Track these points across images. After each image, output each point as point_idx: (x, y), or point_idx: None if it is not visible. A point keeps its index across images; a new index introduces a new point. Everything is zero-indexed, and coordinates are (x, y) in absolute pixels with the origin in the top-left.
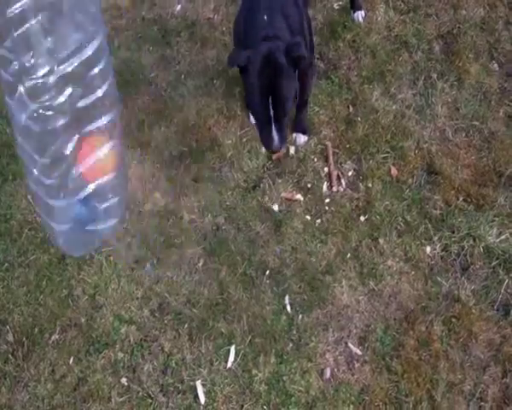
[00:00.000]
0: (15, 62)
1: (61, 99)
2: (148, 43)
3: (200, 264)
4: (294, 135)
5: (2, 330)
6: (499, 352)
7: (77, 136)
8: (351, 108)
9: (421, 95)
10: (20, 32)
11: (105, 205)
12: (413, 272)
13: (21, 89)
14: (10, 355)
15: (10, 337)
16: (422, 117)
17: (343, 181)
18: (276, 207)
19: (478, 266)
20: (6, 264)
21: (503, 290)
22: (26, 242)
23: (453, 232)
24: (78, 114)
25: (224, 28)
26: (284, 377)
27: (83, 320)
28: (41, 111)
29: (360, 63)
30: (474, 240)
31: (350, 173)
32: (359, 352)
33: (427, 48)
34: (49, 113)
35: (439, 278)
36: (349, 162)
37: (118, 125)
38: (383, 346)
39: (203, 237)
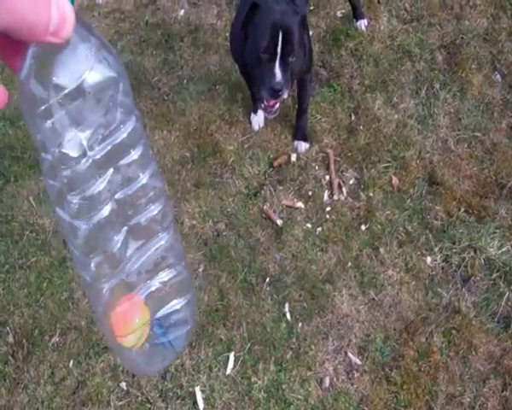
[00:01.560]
0: (48, 157)
1: (100, 187)
2: (152, 48)
3: (201, 270)
4: (296, 143)
5: (2, 331)
6: (499, 365)
7: (125, 228)
8: (353, 117)
9: (424, 105)
10: (47, 124)
11: (175, 315)
12: (413, 283)
13: (57, 184)
14: (10, 357)
15: (10, 339)
16: (424, 127)
17: (344, 190)
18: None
19: (478, 278)
20: (7, 266)
21: (503, 303)
22: (27, 244)
23: (454, 243)
24: (122, 204)
25: (226, 34)
26: (283, 386)
27: (83, 323)
28: (81, 202)
29: (362, 72)
30: (475, 251)
31: (351, 182)
32: (359, 361)
33: (430, 58)
34: (89, 202)
35: (439, 289)
36: (350, 171)
37: (169, 216)
38: (383, 356)
39: (204, 242)
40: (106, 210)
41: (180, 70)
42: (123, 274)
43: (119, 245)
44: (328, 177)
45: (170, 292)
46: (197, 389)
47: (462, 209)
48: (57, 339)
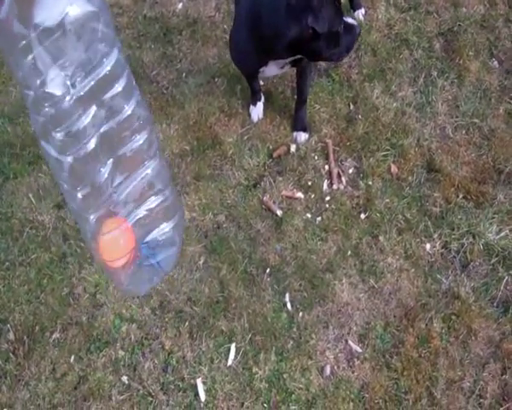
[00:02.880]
0: (31, 93)
1: (84, 122)
2: (150, 42)
3: (201, 262)
4: (295, 134)
5: (3, 328)
6: (499, 349)
7: (111, 160)
8: (351, 106)
9: (422, 92)
10: (27, 60)
11: (163, 236)
12: (413, 270)
13: (41, 119)
14: (11, 354)
15: (11, 336)
16: (423, 115)
17: (343, 179)
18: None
19: (477, 263)
20: (7, 263)
21: (502, 287)
22: (27, 240)
23: (453, 230)
24: (107, 137)
25: (225, 26)
26: (284, 375)
27: (84, 319)
28: (66, 138)
29: (361, 61)
30: (474, 237)
31: (350, 171)
32: (359, 349)
33: (428, 46)
34: (74, 138)
35: (438, 276)
36: (349, 160)
37: (155, 144)
38: (383, 343)
39: (204, 235)
40: (91, 144)
41: (179, 63)
42: (110, 204)
43: (105, 177)
44: (327, 166)
45: (157, 217)
46: (198, 381)
47: (461, 195)
48: (58, 335)
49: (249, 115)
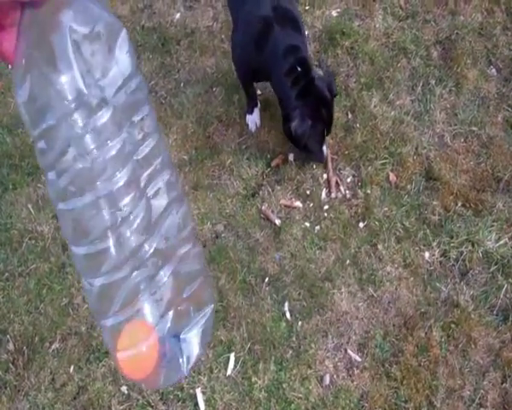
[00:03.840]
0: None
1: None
2: (148, 52)
3: None
4: None
5: (2, 339)
6: (498, 357)
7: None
8: (349, 115)
9: (420, 101)
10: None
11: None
12: (412, 278)
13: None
14: (11, 364)
15: (11, 346)
16: (421, 123)
17: (342, 187)
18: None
19: (477, 272)
20: (6, 273)
21: (502, 295)
22: (27, 251)
23: (452, 238)
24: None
25: (223, 36)
26: (284, 385)
27: (83, 329)
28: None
29: (358, 70)
30: (473, 245)
31: (349, 180)
32: (358, 358)
33: (426, 54)
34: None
35: (437, 284)
36: (348, 169)
37: (191, 225)
38: (382, 352)
39: (202, 244)
40: (137, 219)
41: (177, 73)
42: (136, 305)
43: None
44: (325, 175)
45: (189, 312)
46: (198, 391)
47: (460, 204)
48: (57, 345)
49: (247, 125)
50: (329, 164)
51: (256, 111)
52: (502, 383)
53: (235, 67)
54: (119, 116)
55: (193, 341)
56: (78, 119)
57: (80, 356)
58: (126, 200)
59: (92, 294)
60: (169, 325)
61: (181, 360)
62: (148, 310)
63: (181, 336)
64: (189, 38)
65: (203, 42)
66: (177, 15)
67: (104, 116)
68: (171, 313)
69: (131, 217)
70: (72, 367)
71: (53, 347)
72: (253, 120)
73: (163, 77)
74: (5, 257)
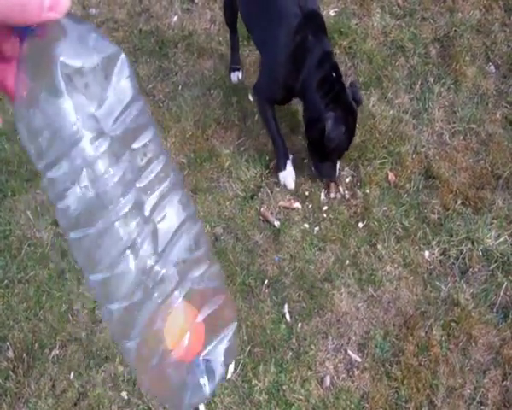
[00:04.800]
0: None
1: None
2: (146, 55)
3: None
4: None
5: (2, 346)
6: (499, 355)
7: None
8: None
9: (418, 99)
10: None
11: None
12: (412, 277)
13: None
14: (11, 372)
15: (11, 354)
16: (419, 121)
17: (341, 188)
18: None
19: (477, 270)
20: (6, 281)
21: (502, 293)
22: (26, 258)
23: (451, 236)
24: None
25: (220, 38)
26: (284, 386)
27: (83, 335)
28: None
29: (357, 69)
30: (473, 243)
31: (347, 180)
32: (359, 359)
33: (424, 52)
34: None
35: (437, 283)
36: (347, 169)
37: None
38: (382, 352)
39: None
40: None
41: (175, 76)
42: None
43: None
44: None
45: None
46: None
47: (459, 202)
48: (57, 352)
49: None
50: None
51: (289, 164)
52: (502, 381)
53: (266, 94)
54: (118, 146)
55: (216, 361)
56: (76, 154)
57: (80, 362)
58: (129, 228)
59: (111, 319)
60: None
61: (202, 382)
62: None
63: (201, 358)
64: (186, 40)
65: (201, 44)
66: (175, 18)
67: (100, 148)
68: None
69: (137, 243)
70: (72, 373)
71: (53, 353)
72: (289, 175)
73: (161, 80)
74: (4, 264)
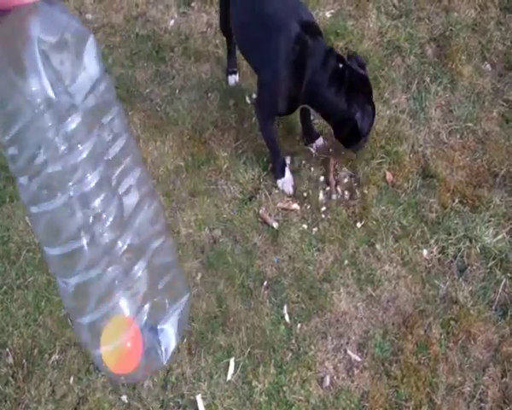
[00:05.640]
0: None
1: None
2: (143, 60)
3: (198, 278)
4: (315, 143)
5: (1, 353)
6: (498, 352)
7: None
8: None
9: (415, 99)
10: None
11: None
12: (410, 276)
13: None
14: (10, 378)
15: (10, 360)
16: (416, 121)
17: (339, 188)
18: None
19: (475, 267)
20: (5, 287)
21: (500, 290)
22: (25, 263)
23: (449, 234)
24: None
25: (217, 41)
26: (284, 387)
27: None
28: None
29: None
30: (471, 241)
31: (346, 180)
32: (358, 358)
33: (420, 52)
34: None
35: (436, 281)
36: (345, 169)
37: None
38: (382, 351)
39: (200, 250)
40: (109, 218)
41: (172, 80)
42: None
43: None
44: (322, 177)
45: (154, 280)
46: (198, 397)
47: (457, 200)
48: (57, 357)
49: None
50: (331, 166)
51: (287, 171)
52: (502, 378)
53: (269, 110)
54: (89, 120)
55: (170, 331)
56: (49, 124)
57: (80, 367)
58: (98, 200)
59: (68, 293)
60: (146, 317)
61: (159, 351)
62: (124, 304)
63: (158, 328)
64: (183, 44)
65: (197, 48)
66: (171, 22)
67: (74, 121)
68: (147, 306)
69: (104, 216)
70: (71, 378)
71: (52, 358)
72: (288, 181)
73: (158, 84)
74: (3, 270)
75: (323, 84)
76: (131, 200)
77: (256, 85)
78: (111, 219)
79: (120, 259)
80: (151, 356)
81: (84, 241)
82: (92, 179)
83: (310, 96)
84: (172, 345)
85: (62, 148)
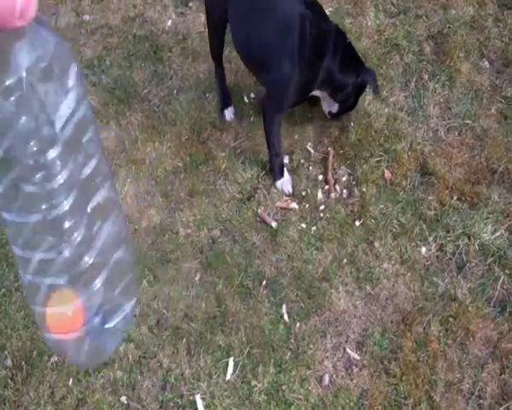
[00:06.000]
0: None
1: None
2: (140, 60)
3: (197, 278)
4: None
5: (0, 355)
6: (497, 348)
7: (85, 219)
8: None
9: (413, 96)
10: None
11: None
12: (409, 274)
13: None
14: (9, 380)
15: (9, 362)
16: (415, 118)
17: (338, 187)
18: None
19: (473, 264)
20: (3, 289)
21: (498, 287)
22: None
23: (448, 232)
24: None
25: None
26: (283, 387)
27: None
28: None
29: None
30: (469, 238)
31: (344, 179)
32: (357, 357)
33: (418, 49)
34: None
35: (435, 279)
36: (343, 168)
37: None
38: (381, 349)
39: (199, 250)
40: (67, 203)
41: (169, 81)
42: (71, 274)
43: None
44: (320, 176)
45: (112, 287)
46: (197, 397)
47: (455, 197)
48: (56, 358)
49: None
50: (330, 165)
51: (286, 171)
52: (500, 375)
53: (282, 105)
54: (68, 148)
55: (117, 332)
56: (29, 157)
57: (79, 369)
58: (70, 222)
59: (25, 282)
60: (99, 317)
61: (104, 347)
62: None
63: (106, 326)
64: (181, 44)
65: (195, 48)
66: (169, 22)
67: (54, 152)
68: (100, 303)
69: (74, 236)
70: (71, 380)
71: (51, 360)
72: (287, 181)
73: (156, 85)
74: (1, 272)
75: (339, 65)
76: (99, 216)
77: (255, 85)
78: (80, 238)
79: (83, 275)
80: (96, 349)
81: (52, 255)
82: (66, 204)
83: (327, 79)
84: (117, 342)
85: (41, 177)
